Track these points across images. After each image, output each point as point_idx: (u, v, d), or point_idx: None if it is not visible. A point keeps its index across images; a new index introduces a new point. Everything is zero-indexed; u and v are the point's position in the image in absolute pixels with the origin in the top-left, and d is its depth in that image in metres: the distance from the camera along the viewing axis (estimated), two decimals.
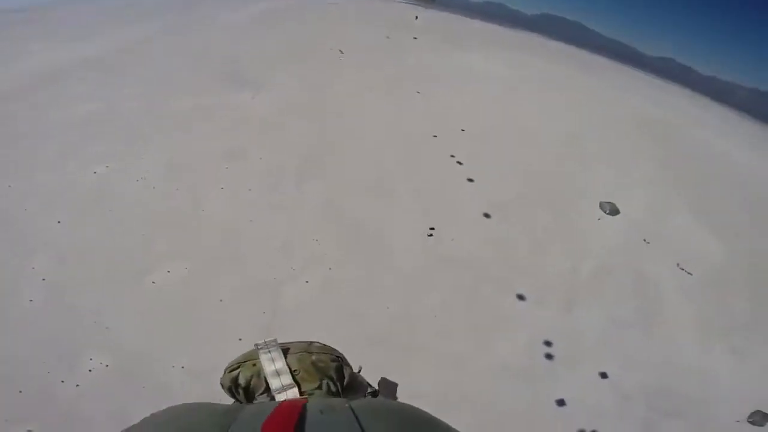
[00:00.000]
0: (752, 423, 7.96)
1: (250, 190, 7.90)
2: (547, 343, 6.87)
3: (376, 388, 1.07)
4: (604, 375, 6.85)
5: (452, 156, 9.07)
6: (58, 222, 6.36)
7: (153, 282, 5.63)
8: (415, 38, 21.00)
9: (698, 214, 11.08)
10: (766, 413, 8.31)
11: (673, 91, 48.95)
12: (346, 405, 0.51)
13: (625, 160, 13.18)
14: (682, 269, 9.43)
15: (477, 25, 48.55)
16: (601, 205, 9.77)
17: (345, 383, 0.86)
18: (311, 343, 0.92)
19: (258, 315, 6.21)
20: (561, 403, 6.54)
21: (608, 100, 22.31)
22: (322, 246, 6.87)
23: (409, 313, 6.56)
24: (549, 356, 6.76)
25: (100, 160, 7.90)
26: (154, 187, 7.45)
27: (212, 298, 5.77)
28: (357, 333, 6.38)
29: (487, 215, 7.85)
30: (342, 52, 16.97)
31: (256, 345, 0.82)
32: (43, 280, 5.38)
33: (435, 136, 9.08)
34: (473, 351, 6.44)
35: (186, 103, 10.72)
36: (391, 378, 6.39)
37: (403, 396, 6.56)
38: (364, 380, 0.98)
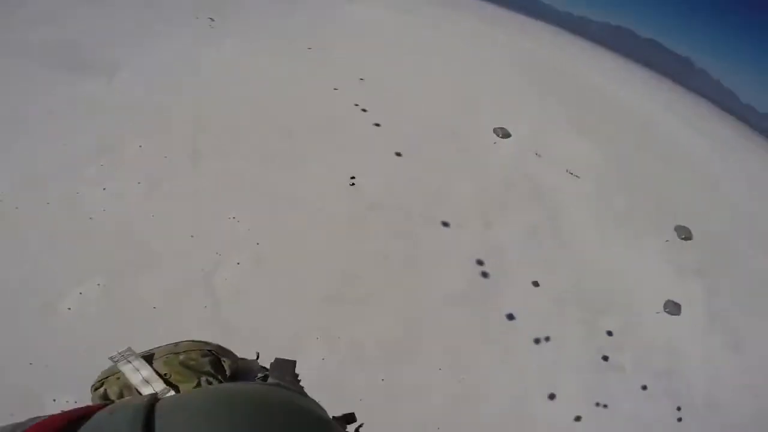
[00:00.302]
0: (669, 313, 10.12)
1: (139, 183, 6.82)
2: (480, 262, 7.69)
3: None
4: (536, 284, 7.98)
5: (356, 105, 9.00)
6: None
7: (68, 308, 4.98)
8: None
9: (578, 129, 13.12)
10: (676, 302, 10.64)
11: (539, 27, 54.79)
12: (142, 406, 0.45)
13: (512, 92, 14.65)
14: (571, 173, 11.23)
15: None
16: (495, 131, 10.98)
17: (228, 374, 0.81)
18: (178, 343, 0.86)
19: (200, 311, 5.68)
20: (510, 317, 7.49)
21: (488, 38, 24.05)
22: (241, 222, 6.40)
23: (353, 265, 6.67)
24: (485, 274, 7.62)
25: None
26: (16, 208, 6.09)
27: (144, 308, 5.25)
28: (309, 298, 6.29)
29: (398, 154, 8.12)
30: (213, 20, 14.98)
31: (111, 358, 0.75)
32: None
33: (336, 89, 8.81)
34: (421, 287, 6.90)
35: (23, 106, 8.48)
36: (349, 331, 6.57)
37: (370, 346, 6.81)
38: (256, 365, 0.94)
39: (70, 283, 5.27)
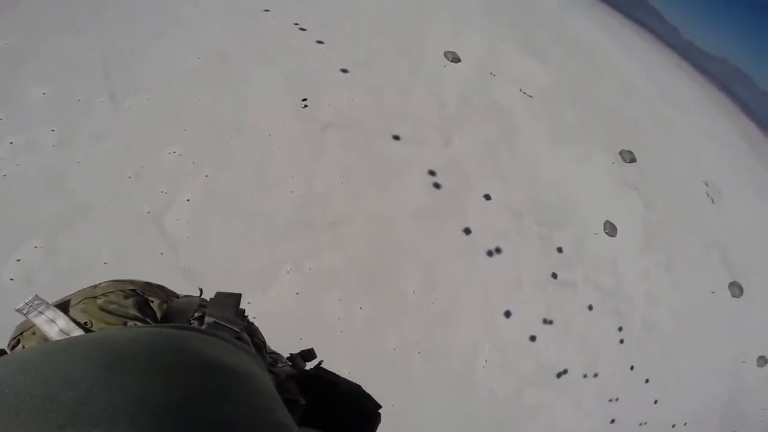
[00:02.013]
0: (608, 234, 10.86)
1: (53, 130, 5.92)
2: (432, 173, 7.72)
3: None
4: (488, 197, 8.20)
5: (295, 24, 8.15)
6: None
7: (11, 279, 4.54)
8: None
9: (528, 50, 13.03)
10: (613, 224, 11.40)
11: None
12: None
13: (458, 9, 14.06)
14: (524, 93, 11.33)
15: None
16: (445, 54, 10.65)
17: (159, 317, 0.71)
18: (96, 285, 0.76)
19: (156, 258, 5.33)
20: (468, 231, 7.75)
21: None
22: (185, 156, 5.83)
23: (314, 189, 6.44)
24: (437, 185, 7.70)
25: None
26: None
27: (93, 264, 4.83)
28: (273, 229, 6.08)
29: (344, 70, 7.63)
30: None
31: (19, 310, 0.65)
32: None
33: (267, 10, 7.86)
34: (384, 207, 6.86)
35: None
36: (326, 256, 6.52)
37: (341, 266, 6.86)
38: (194, 304, 0.79)
39: (3, 252, 4.81)
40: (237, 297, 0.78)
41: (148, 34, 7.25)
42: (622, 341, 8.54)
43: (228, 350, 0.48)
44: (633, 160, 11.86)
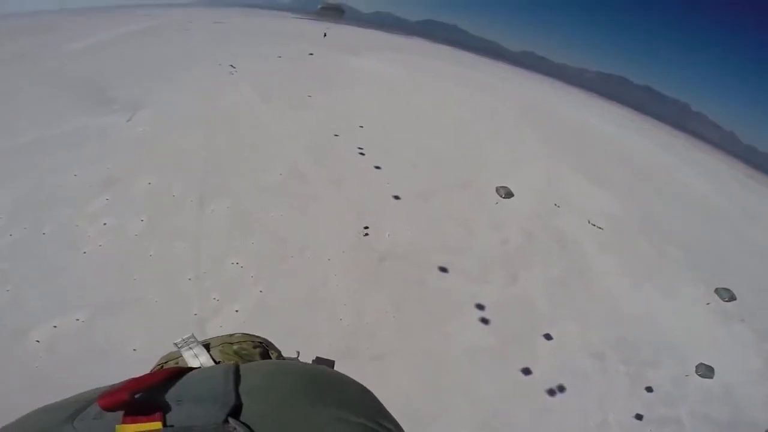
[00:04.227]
0: (701, 376, 9.20)
1: (142, 220, 6.50)
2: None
3: None
4: (549, 336, 7.24)
5: (359, 149, 8.79)
6: None
7: (37, 341, 4.69)
8: (311, 54, 20.59)
9: (592, 178, 12.97)
10: (708, 365, 9.70)
11: (537, 79, 57.84)
12: (230, 366, 0.53)
13: (515, 140, 14.80)
14: (593, 225, 10.78)
15: (369, 33, 50.33)
16: (497, 190, 10.02)
17: None
18: (232, 334, 0.92)
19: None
20: (527, 372, 6.67)
21: (488, 91, 25.07)
22: (246, 268, 5.91)
23: (364, 319, 6.08)
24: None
25: None
26: (10, 235, 5.94)
27: (122, 350, 4.79)
28: (315, 352, 5.64)
29: (397, 197, 7.71)
30: (234, 67, 15.78)
31: (176, 344, 0.81)
32: None
33: (336, 135, 8.78)
34: (436, 344, 6.22)
35: (40, 133, 8.51)
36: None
37: (384, 402, 5.96)
38: (299, 362, 0.90)
39: (48, 315, 4.99)
40: (332, 363, 0.96)
41: (247, 144, 8.35)
42: None
43: None
44: (732, 298, 10.00)
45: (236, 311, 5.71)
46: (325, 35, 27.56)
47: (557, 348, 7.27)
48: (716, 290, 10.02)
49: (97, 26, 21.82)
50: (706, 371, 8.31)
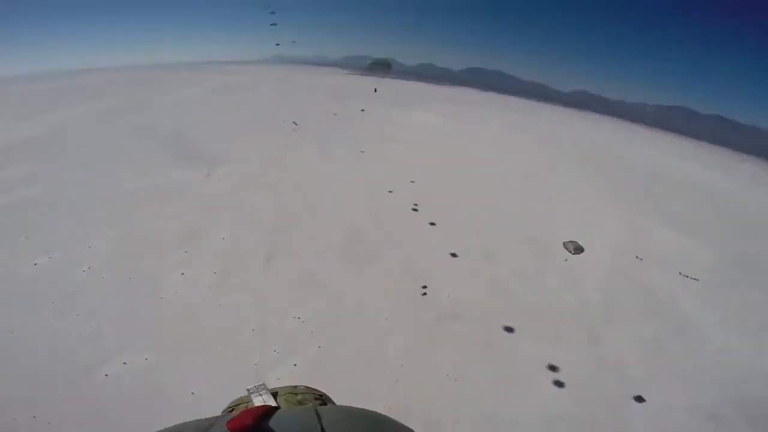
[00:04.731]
0: None
1: (215, 273, 7.05)
2: (554, 368, 6.21)
3: None
4: (640, 398, 6.18)
5: (415, 208, 8.83)
6: None
7: (106, 375, 5.12)
8: (363, 110, 22.31)
9: (673, 224, 11.57)
10: None
11: (593, 119, 55.67)
12: (311, 406, 0.74)
13: (579, 188, 13.92)
14: (686, 276, 9.34)
15: (416, 85, 53.50)
16: (565, 246, 8.81)
17: None
18: (296, 386, 1.08)
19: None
20: None
21: (544, 135, 24.52)
22: (306, 323, 6.00)
23: (421, 382, 5.70)
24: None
25: (41, 249, 7.48)
26: (102, 277, 6.87)
27: (182, 391, 5.08)
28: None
29: (454, 255, 7.47)
30: (296, 124, 17.48)
31: (248, 389, 0.97)
32: None
33: (391, 192, 8.98)
34: (504, 411, 5.57)
35: (133, 184, 9.99)
36: None
37: None
38: (362, 408, 0.98)
39: (119, 352, 5.42)
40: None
41: (309, 203, 8.93)
42: None
43: None
44: None
45: (294, 365, 5.75)
46: (375, 90, 29.81)
47: (656, 411, 6.15)
48: None
49: (184, 81, 25.70)
50: None
